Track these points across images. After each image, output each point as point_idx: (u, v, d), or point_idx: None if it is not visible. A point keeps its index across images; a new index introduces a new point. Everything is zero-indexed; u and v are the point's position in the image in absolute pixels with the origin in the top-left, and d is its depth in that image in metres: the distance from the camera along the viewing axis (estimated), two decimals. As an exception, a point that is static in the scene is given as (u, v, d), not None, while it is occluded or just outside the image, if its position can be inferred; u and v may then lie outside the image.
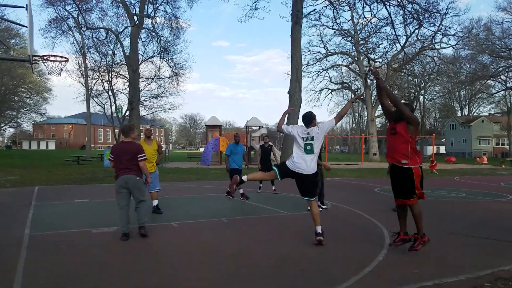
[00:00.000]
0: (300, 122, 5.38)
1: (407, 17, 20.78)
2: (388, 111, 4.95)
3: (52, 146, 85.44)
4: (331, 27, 33.98)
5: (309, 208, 5.25)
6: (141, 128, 25.13)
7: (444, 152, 65.46)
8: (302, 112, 17.55)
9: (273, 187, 10.48)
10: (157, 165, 7.48)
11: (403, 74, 45.36)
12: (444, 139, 68.33)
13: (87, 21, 26.56)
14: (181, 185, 12.54)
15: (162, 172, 18.53)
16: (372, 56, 38.95)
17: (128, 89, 25.57)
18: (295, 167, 5.03)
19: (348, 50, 40.15)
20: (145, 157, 5.51)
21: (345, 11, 28.23)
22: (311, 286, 3.60)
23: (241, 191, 9.06)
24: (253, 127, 30.00)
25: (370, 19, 27.57)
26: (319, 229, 5.01)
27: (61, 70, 9.05)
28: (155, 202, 7.15)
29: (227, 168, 9.21)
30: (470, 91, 60.23)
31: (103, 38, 28.03)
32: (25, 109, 55.65)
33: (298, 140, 5.07)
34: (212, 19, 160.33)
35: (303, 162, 4.99)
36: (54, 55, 9.34)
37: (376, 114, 41.57)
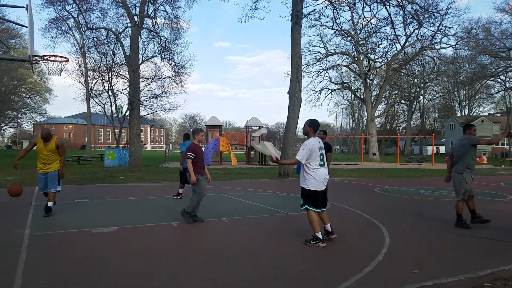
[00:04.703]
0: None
1: (407, 17, 20.75)
2: None
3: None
4: (331, 27, 34.03)
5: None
6: (141, 128, 25.14)
7: (444, 152, 65.46)
8: (302, 112, 17.64)
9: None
10: (61, 175, 6.92)
11: (403, 74, 45.38)
12: (444, 139, 68.34)
13: (87, 21, 26.54)
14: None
15: (163, 172, 18.55)
16: (372, 56, 39.00)
17: (128, 89, 25.57)
18: (325, 183, 5.08)
19: (348, 50, 40.19)
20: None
21: (345, 11, 28.25)
22: (311, 286, 3.60)
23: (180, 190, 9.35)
24: (253, 127, 30.01)
25: (370, 19, 27.56)
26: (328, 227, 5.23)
27: (61, 70, 9.06)
28: (49, 203, 6.82)
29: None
30: (469, 91, 60.26)
31: (104, 38, 28.04)
32: (25, 109, 55.62)
33: (317, 152, 4.99)
34: (213, 20, 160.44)
35: (326, 172, 5.11)
36: (54, 55, 9.35)
37: (376, 114, 41.58)
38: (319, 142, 5.05)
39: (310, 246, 4.95)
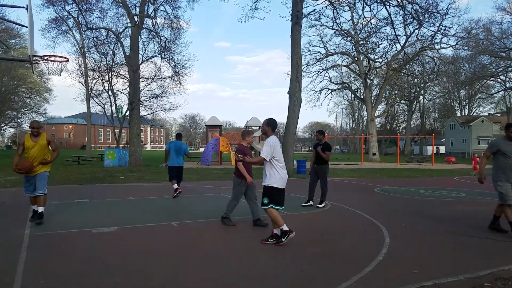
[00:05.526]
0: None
1: (407, 17, 20.76)
2: None
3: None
4: (331, 27, 34.03)
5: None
6: (141, 128, 25.13)
7: (444, 152, 65.46)
8: (302, 112, 17.64)
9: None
10: (46, 163, 6.13)
11: (403, 74, 45.38)
12: (444, 139, 68.34)
13: (87, 21, 26.55)
14: (182, 185, 12.49)
15: (163, 172, 18.51)
16: (372, 56, 39.01)
17: (128, 89, 25.59)
18: (286, 181, 5.06)
19: (348, 50, 40.21)
20: None
21: (345, 11, 28.27)
22: (311, 286, 3.60)
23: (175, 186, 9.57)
24: (253, 127, 30.01)
25: (370, 19, 27.59)
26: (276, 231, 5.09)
27: (61, 70, 9.03)
28: (40, 209, 6.11)
29: None
30: (469, 91, 60.30)
31: (104, 38, 28.07)
32: (25, 109, 55.62)
33: (280, 150, 5.04)
34: (213, 20, 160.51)
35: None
36: (54, 55, 9.34)
37: (376, 114, 41.58)
38: (278, 141, 5.12)
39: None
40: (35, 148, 6.02)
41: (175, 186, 9.57)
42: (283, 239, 4.96)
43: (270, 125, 5.14)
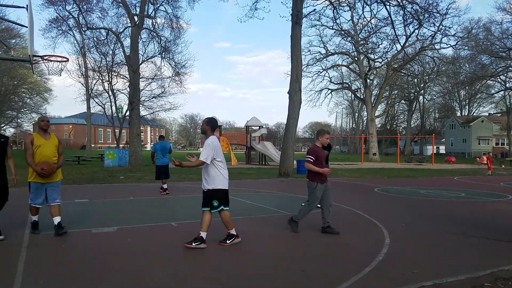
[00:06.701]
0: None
1: (407, 17, 20.81)
2: None
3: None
4: (331, 27, 34.09)
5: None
6: (141, 128, 25.13)
7: (444, 152, 65.45)
8: (302, 112, 17.63)
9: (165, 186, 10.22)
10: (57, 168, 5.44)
11: (403, 74, 45.41)
12: (444, 139, 68.33)
13: (87, 21, 26.58)
14: (182, 185, 12.53)
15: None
16: (372, 56, 39.04)
17: (128, 89, 25.59)
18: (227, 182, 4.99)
19: (348, 50, 40.25)
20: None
21: (345, 11, 28.29)
22: (311, 286, 3.60)
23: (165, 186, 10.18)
24: (253, 127, 30.01)
25: (370, 19, 27.63)
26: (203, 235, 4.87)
27: (61, 70, 9.06)
28: (57, 219, 5.40)
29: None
30: (469, 91, 60.27)
31: (104, 38, 28.07)
32: (25, 109, 55.61)
33: (221, 150, 4.94)
34: (213, 20, 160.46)
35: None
36: (54, 55, 9.35)
37: (376, 114, 41.59)
38: (218, 141, 5.02)
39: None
40: (47, 148, 5.23)
41: (165, 186, 10.15)
42: (227, 241, 4.95)
43: (209, 124, 4.91)
